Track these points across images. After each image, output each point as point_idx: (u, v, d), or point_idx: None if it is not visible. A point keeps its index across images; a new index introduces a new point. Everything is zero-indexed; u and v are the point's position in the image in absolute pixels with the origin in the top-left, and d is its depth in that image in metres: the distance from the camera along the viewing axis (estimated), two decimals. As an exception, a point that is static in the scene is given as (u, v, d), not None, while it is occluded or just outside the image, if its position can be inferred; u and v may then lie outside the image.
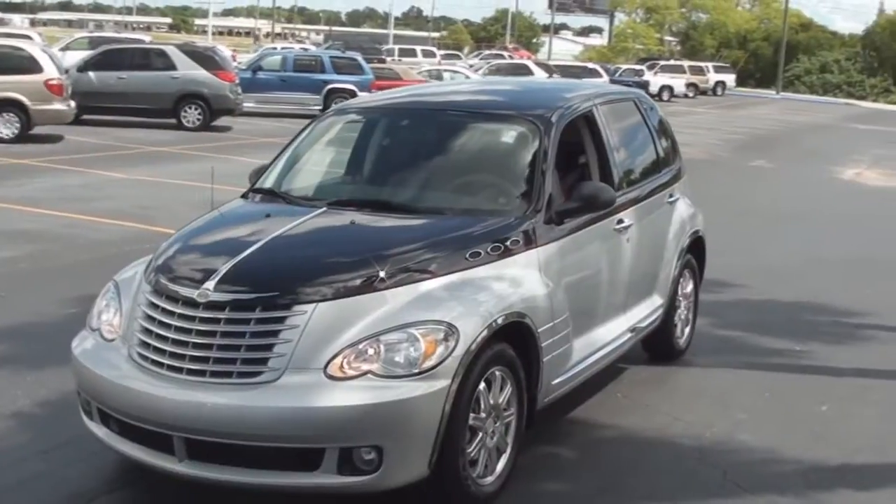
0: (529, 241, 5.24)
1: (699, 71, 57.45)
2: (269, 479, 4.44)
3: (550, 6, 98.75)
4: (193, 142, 21.13)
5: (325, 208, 5.32)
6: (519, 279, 5.06)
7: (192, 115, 23.49)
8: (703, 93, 56.44)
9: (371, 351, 4.40)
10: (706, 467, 5.51)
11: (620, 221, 6.16)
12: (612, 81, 45.66)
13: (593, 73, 44.51)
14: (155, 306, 4.71)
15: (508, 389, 4.88)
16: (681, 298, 7.29)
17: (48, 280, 9.25)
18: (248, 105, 25.94)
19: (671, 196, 7.17)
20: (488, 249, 5.02)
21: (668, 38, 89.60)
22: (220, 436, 4.38)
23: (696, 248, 7.52)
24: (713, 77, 58.80)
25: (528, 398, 5.07)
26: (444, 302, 4.65)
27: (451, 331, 4.47)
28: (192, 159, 18.46)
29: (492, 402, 4.77)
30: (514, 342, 4.88)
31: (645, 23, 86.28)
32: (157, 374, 4.54)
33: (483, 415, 4.71)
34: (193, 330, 4.51)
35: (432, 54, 55.74)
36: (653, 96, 44.42)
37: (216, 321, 4.49)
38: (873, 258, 11.92)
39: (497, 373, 4.78)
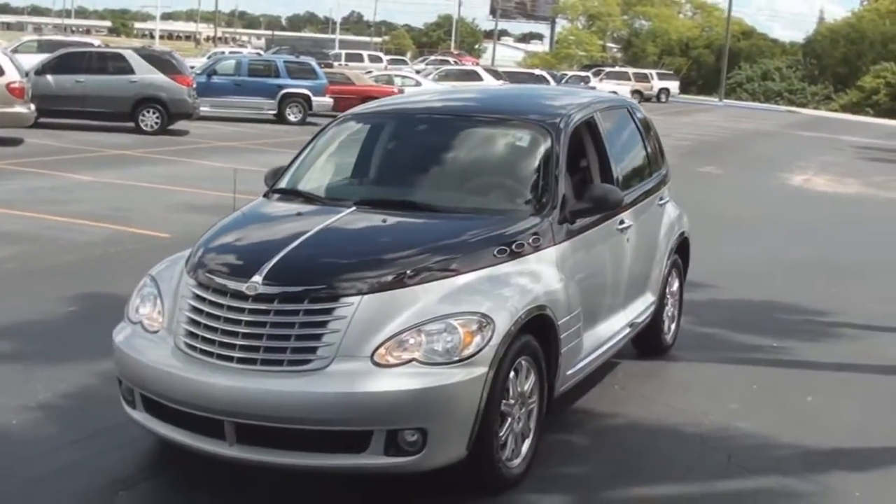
0: (548, 240, 5.56)
1: (644, 78, 58.39)
2: (317, 461, 4.70)
3: (492, 13, 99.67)
4: (152, 145, 21.17)
5: (353, 208, 5.58)
6: (540, 275, 5.37)
7: (150, 118, 23.50)
8: (648, 100, 57.21)
9: (414, 340, 4.69)
10: (710, 451, 5.87)
11: (622, 222, 6.50)
12: (562, 88, 46.29)
13: (540, 80, 44.93)
14: (202, 299, 4.94)
15: (532, 378, 5.19)
16: (668, 296, 7.65)
17: (40, 280, 9.36)
18: (204, 109, 25.94)
19: (661, 198, 7.55)
20: (513, 247, 5.33)
21: (610, 44, 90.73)
22: (270, 420, 4.62)
23: (682, 249, 7.91)
24: (657, 84, 59.75)
25: (548, 387, 5.38)
26: (478, 295, 4.96)
27: (486, 321, 4.77)
28: (155, 162, 18.58)
29: (519, 389, 5.08)
30: (537, 334, 5.19)
31: (587, 30, 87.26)
32: (207, 363, 4.78)
33: (512, 401, 5.02)
34: (243, 321, 4.76)
35: (379, 59, 56.07)
36: (601, 103, 44.24)
37: (266, 312, 4.74)
38: (830, 261, 12.40)
39: (523, 362, 5.09)
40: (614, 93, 48.27)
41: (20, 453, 5.45)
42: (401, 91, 33.43)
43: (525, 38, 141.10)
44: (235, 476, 5.14)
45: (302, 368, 4.66)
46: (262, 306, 4.75)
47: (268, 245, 5.19)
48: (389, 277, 4.87)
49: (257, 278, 4.79)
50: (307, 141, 6.65)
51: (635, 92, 55.48)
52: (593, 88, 49.85)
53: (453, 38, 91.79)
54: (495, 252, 5.25)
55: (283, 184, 6.26)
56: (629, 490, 5.33)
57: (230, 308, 4.81)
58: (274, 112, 28.65)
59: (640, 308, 6.98)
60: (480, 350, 4.71)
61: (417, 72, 43.46)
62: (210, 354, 4.79)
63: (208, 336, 4.83)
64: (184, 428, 4.89)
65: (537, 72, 49.89)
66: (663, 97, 59.85)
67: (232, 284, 4.86)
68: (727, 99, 66.26)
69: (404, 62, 57.71)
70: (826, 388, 7.27)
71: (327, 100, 29.07)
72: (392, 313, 4.76)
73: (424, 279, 4.92)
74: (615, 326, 6.52)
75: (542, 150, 6.02)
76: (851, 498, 5.35)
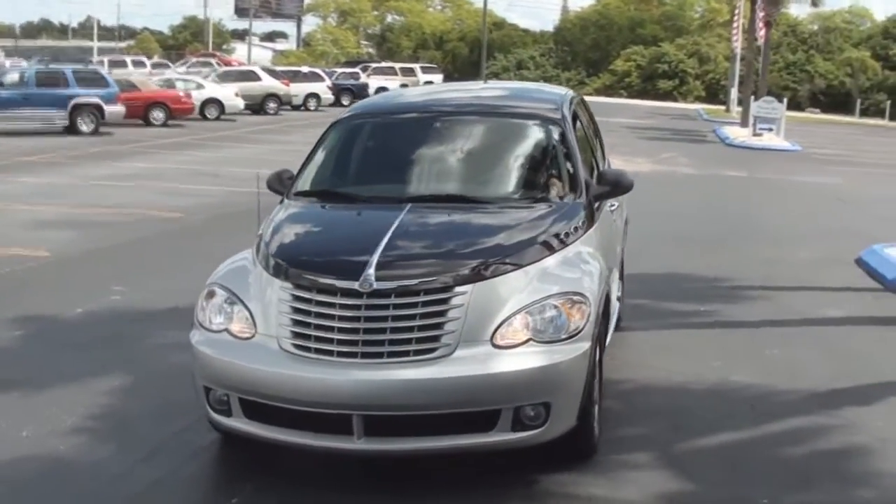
0: (587, 223, 5.98)
1: (410, 72, 59.33)
2: (447, 443, 4.94)
3: (238, 12, 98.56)
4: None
5: (409, 205, 5.77)
6: (594, 255, 5.79)
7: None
8: (414, 93, 58.35)
9: (525, 322, 5.01)
10: (732, 403, 6.50)
11: (612, 204, 7.00)
12: (335, 84, 46.55)
13: (316, 77, 45.16)
14: (306, 300, 5.03)
15: (598, 348, 5.61)
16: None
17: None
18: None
19: None
20: (572, 229, 5.74)
21: (364, 41, 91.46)
22: (402, 409, 4.83)
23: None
24: (423, 77, 60.82)
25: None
26: (567, 276, 5.34)
27: (584, 299, 5.16)
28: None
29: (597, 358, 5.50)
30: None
31: (340, 26, 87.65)
32: (326, 362, 4.89)
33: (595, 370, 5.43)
34: (362, 317, 4.92)
35: (143, 64, 54.46)
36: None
37: (385, 307, 4.92)
38: (692, 234, 13.42)
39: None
40: (384, 88, 48.62)
41: (95, 478, 5.35)
42: (187, 95, 32.94)
43: (269, 36, 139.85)
44: (341, 472, 5.30)
45: (429, 357, 4.88)
46: (380, 301, 4.92)
47: (357, 243, 5.36)
48: (491, 265, 5.15)
49: (369, 275, 4.96)
50: (315, 142, 6.73)
51: (404, 86, 56.49)
52: (365, 85, 50.59)
53: (209, 39, 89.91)
54: (562, 236, 5.62)
55: (307, 186, 6.35)
56: (694, 442, 5.86)
57: (344, 306, 4.95)
58: (66, 123, 27.53)
59: (619, 284, 7.52)
60: (584, 325, 5.10)
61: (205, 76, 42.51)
62: (329, 353, 4.91)
63: (323, 335, 4.94)
64: (301, 428, 4.99)
65: (305, 69, 49.80)
66: (428, 90, 61.01)
67: (341, 283, 4.99)
68: (487, 89, 68.16)
69: (167, 66, 56.23)
70: (777, 342, 8.07)
71: (119, 108, 28.26)
72: (500, 298, 5.05)
73: (519, 265, 5.23)
74: (614, 300, 7.02)
75: (556, 139, 6.43)
76: (876, 427, 6.11)
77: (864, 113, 57.20)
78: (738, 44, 48.77)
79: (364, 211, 5.87)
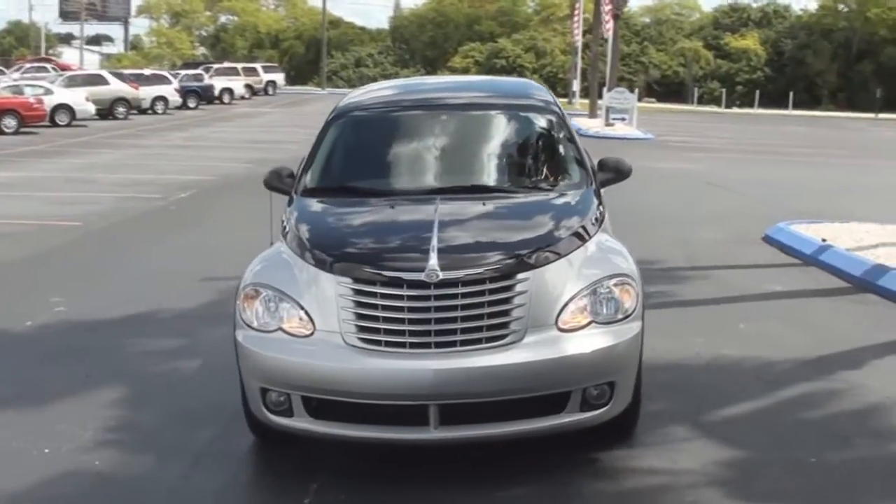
0: (603, 208, 6.15)
1: (253, 72, 58.74)
2: (519, 427, 5.03)
3: (62, 15, 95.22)
4: None
5: (439, 197, 5.78)
6: (613, 239, 5.95)
7: None
8: (256, 93, 57.78)
9: (584, 304, 5.13)
10: (736, 375, 6.80)
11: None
12: (182, 86, 45.65)
13: (162, 80, 44.20)
14: (370, 294, 5.01)
15: None
16: None
17: None
18: None
19: None
20: (598, 215, 5.90)
21: (196, 42, 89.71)
22: (478, 396, 4.89)
23: None
24: (265, 77, 60.38)
25: None
26: (611, 259, 5.49)
27: (632, 280, 5.33)
28: None
29: None
30: None
31: (173, 27, 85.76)
32: (398, 354, 4.92)
33: (636, 349, 5.61)
34: (432, 307, 4.95)
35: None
36: (215, 98, 44.34)
37: (454, 296, 4.96)
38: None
39: None
40: (229, 89, 47.95)
41: (153, 491, 5.18)
42: (38, 101, 31.79)
43: (95, 40, 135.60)
44: (400, 463, 5.34)
45: (500, 343, 4.95)
46: (449, 291, 4.96)
47: (407, 236, 5.40)
48: (545, 251, 5.24)
49: (434, 266, 4.99)
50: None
51: (247, 86, 55.89)
52: (211, 86, 49.79)
53: (42, 44, 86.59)
54: (593, 221, 5.78)
55: (320, 183, 6.30)
56: (720, 413, 6.12)
57: (413, 297, 4.96)
58: None
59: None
60: (636, 306, 5.27)
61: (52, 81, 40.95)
62: (401, 345, 4.93)
63: (393, 328, 4.95)
64: (372, 423, 5.00)
65: (148, 72, 48.63)
66: (270, 90, 60.56)
67: (408, 276, 5.00)
68: (328, 87, 68.17)
69: (2, 72, 53.99)
70: (740, 317, 8.47)
71: (-32, 115, 27.10)
72: (557, 284, 5.16)
73: (568, 250, 5.34)
74: None
75: (560, 129, 6.60)
76: (877, 387, 6.50)
77: (700, 101, 59.57)
78: (579, 37, 50.06)
79: (396, 204, 5.86)
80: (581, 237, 5.54)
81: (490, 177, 6.33)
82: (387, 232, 5.63)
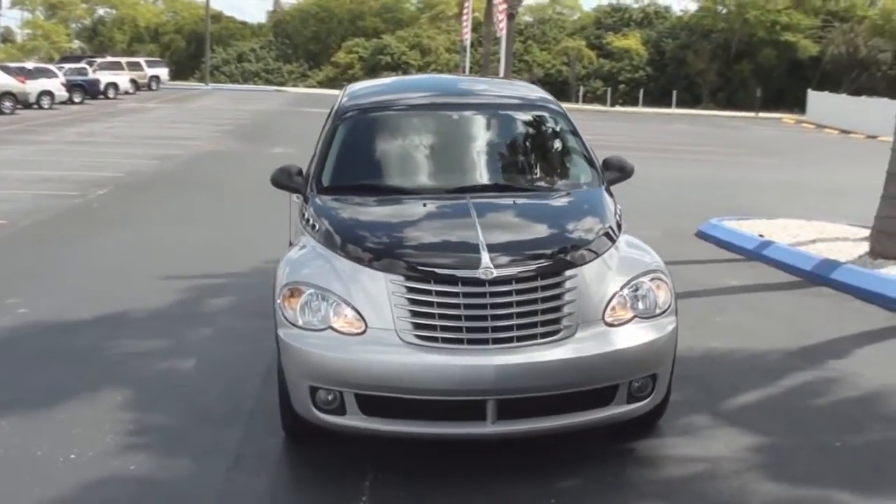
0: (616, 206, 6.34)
1: (137, 66, 57.53)
2: (572, 420, 5.17)
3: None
4: None
5: (468, 195, 5.88)
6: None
7: None
8: (140, 88, 56.61)
9: (625, 300, 5.31)
10: (734, 366, 7.09)
11: None
12: (68, 81, 44.35)
13: (48, 73, 42.86)
14: (425, 292, 5.07)
15: None
16: None
17: None
18: None
19: None
20: (619, 213, 6.08)
21: (71, 34, 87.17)
22: (535, 391, 5.01)
23: None
24: (149, 71, 59.15)
25: None
26: (642, 254, 5.70)
27: (666, 275, 5.53)
28: None
29: None
30: None
31: (49, 20, 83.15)
32: (456, 350, 4.99)
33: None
34: (488, 304, 5.04)
35: None
36: (100, 93, 43.04)
37: (508, 293, 5.07)
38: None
39: None
40: (114, 84, 46.88)
41: (198, 496, 5.12)
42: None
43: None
44: (449, 457, 5.44)
45: (555, 339, 5.08)
46: (503, 288, 5.06)
47: (453, 234, 5.48)
48: (584, 250, 5.40)
49: (487, 263, 5.09)
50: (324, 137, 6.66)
51: (132, 81, 54.72)
52: (97, 80, 48.53)
53: None
54: (617, 219, 5.96)
55: (337, 181, 6.30)
56: (734, 402, 6.38)
57: (468, 294, 5.05)
58: None
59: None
60: (671, 300, 5.47)
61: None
62: (459, 341, 5.00)
63: (450, 324, 5.02)
64: (427, 419, 5.06)
65: (31, 65, 47.07)
66: (154, 85, 59.37)
67: (461, 273, 5.07)
68: (212, 83, 67.16)
69: None
70: (712, 310, 8.80)
71: None
72: (600, 279, 5.32)
73: (602, 248, 5.50)
74: None
75: (568, 129, 6.78)
76: (867, 375, 6.86)
77: (584, 99, 60.56)
78: (468, 36, 50.33)
79: (428, 202, 5.92)
80: (610, 236, 5.70)
81: (512, 175, 6.48)
82: (430, 230, 5.68)
